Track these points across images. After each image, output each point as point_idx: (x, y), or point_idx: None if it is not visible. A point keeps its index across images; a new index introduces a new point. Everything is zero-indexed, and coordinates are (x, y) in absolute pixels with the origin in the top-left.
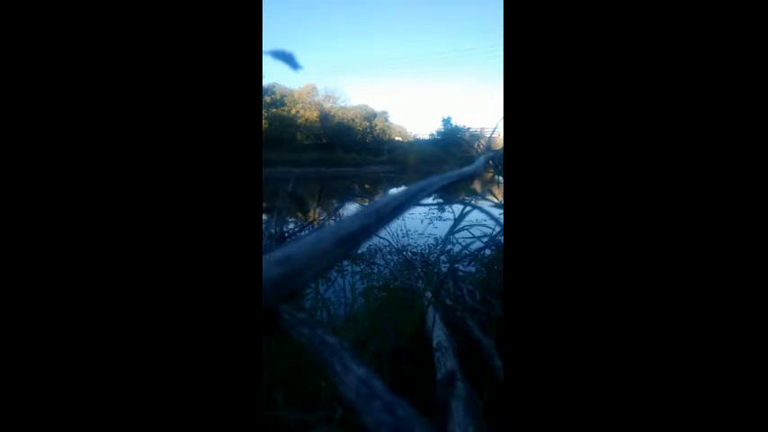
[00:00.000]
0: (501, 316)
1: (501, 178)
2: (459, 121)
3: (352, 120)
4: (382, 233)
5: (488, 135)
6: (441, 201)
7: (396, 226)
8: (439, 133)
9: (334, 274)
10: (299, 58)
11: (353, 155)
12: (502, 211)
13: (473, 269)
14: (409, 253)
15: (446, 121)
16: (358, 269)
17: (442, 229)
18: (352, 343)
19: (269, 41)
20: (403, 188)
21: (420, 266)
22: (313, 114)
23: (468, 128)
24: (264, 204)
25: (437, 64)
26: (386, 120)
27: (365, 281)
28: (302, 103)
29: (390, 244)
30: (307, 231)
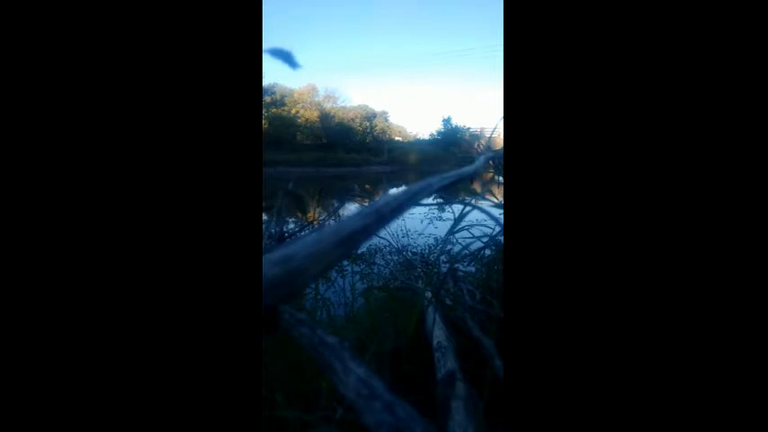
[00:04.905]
0: (501, 316)
1: (501, 178)
2: (459, 121)
3: (352, 120)
4: (382, 233)
5: (488, 135)
6: (441, 201)
7: (396, 226)
8: (439, 133)
9: (334, 274)
10: (299, 58)
11: (353, 155)
12: (502, 211)
13: (473, 269)
14: (409, 253)
15: (446, 121)
16: (358, 269)
17: (442, 229)
18: (352, 343)
19: (268, 41)
20: (403, 188)
21: (420, 266)
22: (313, 114)
23: (469, 128)
24: (264, 204)
25: (437, 64)
26: (386, 120)
27: (365, 281)
28: (302, 103)
29: (390, 244)
30: (307, 231)
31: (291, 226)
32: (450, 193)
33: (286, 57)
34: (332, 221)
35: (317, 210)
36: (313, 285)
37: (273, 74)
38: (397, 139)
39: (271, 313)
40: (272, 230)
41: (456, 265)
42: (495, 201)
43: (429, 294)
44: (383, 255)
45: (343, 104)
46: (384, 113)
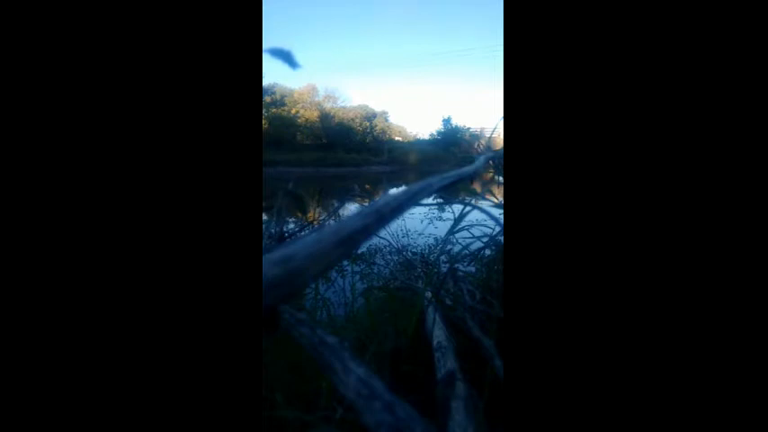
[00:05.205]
0: (501, 316)
1: (501, 178)
2: (460, 121)
3: (352, 120)
4: (382, 233)
5: (488, 135)
6: (441, 201)
7: (396, 226)
8: (439, 133)
9: (334, 274)
10: (299, 58)
11: (353, 155)
12: (502, 211)
13: (473, 269)
14: (409, 253)
15: (446, 121)
16: (358, 269)
17: (442, 229)
18: (352, 343)
19: (268, 41)
20: (403, 188)
21: (420, 266)
22: (313, 114)
23: (469, 128)
24: (264, 204)
25: (437, 63)
26: (386, 120)
27: (365, 281)
28: (302, 103)
29: (390, 244)
30: (307, 231)
31: (291, 226)
32: (451, 193)
33: (286, 56)
34: (332, 221)
35: (317, 210)
36: (313, 285)
37: (273, 74)
38: (397, 139)
39: (271, 313)
40: (272, 230)
41: (456, 265)
42: (495, 201)
43: (429, 294)
44: (383, 255)
45: (343, 104)
46: (384, 113)
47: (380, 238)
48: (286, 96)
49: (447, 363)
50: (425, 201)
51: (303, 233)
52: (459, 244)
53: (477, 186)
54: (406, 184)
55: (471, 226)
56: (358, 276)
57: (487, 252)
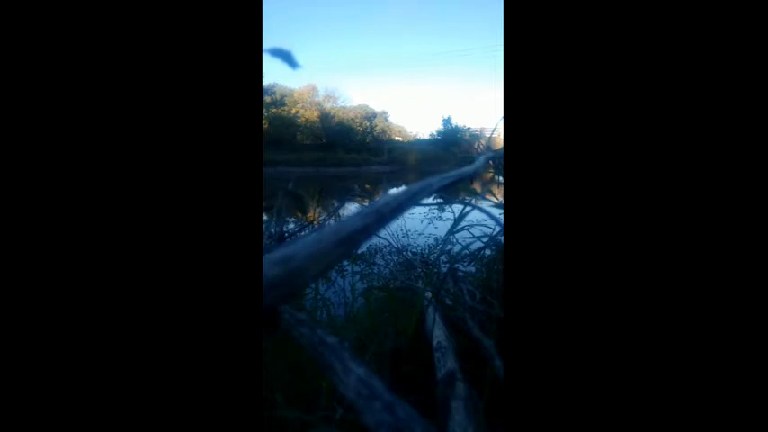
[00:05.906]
0: (501, 316)
1: (501, 178)
2: (460, 121)
3: (352, 120)
4: (382, 233)
5: (488, 135)
6: (441, 201)
7: (396, 226)
8: (439, 133)
9: (334, 274)
10: (299, 58)
11: (353, 155)
12: (502, 211)
13: (473, 269)
14: (409, 253)
15: (446, 121)
16: (358, 269)
17: (442, 229)
18: (352, 343)
19: (268, 41)
20: (403, 188)
21: (420, 266)
22: (313, 114)
23: (469, 128)
24: (264, 204)
25: (437, 63)
26: (386, 120)
27: (365, 281)
28: (302, 103)
29: (390, 244)
30: (307, 231)
31: (291, 226)
32: (450, 193)
33: (286, 56)
34: (332, 221)
35: (317, 210)
36: (313, 285)
37: (273, 74)
38: (397, 139)
39: (271, 313)
40: (272, 230)
41: (456, 265)
42: (495, 201)
43: (429, 294)
44: (383, 255)
45: (343, 104)
46: (384, 113)
47: (380, 238)
48: (286, 96)
49: (447, 363)
50: (425, 201)
51: (303, 233)
52: (459, 244)
53: (477, 186)
54: (406, 184)
55: (471, 226)
56: (358, 276)
57: (487, 252)
